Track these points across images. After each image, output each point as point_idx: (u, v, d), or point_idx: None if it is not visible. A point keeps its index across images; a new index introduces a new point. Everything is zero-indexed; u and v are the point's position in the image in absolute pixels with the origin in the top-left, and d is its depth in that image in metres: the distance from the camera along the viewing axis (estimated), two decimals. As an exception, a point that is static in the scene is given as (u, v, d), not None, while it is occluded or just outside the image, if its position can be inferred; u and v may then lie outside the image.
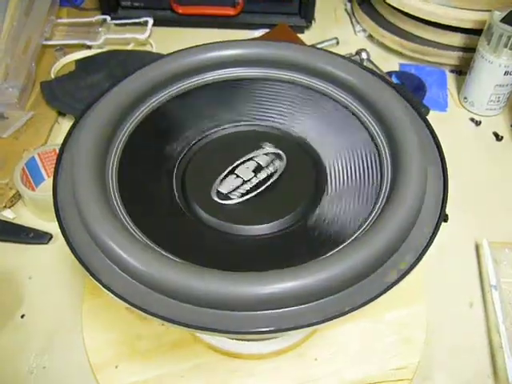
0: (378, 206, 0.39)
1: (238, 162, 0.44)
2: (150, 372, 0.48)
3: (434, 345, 0.52)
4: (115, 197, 0.38)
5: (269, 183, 0.43)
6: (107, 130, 0.40)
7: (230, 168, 0.43)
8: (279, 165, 0.44)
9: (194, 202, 0.41)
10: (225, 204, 0.41)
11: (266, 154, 0.44)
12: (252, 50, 0.48)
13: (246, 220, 0.40)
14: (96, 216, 0.35)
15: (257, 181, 0.43)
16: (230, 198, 0.42)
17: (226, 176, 0.43)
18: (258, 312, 0.32)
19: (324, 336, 0.51)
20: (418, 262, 0.35)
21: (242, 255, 0.38)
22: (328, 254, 0.35)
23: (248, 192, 0.42)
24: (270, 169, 0.43)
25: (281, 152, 0.45)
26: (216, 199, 0.41)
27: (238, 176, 0.43)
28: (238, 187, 0.42)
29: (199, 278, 0.32)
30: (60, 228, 0.37)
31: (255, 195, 0.42)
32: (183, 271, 0.32)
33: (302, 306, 0.33)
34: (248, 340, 0.48)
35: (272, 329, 0.32)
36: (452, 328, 0.54)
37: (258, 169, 0.44)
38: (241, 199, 0.41)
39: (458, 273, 0.58)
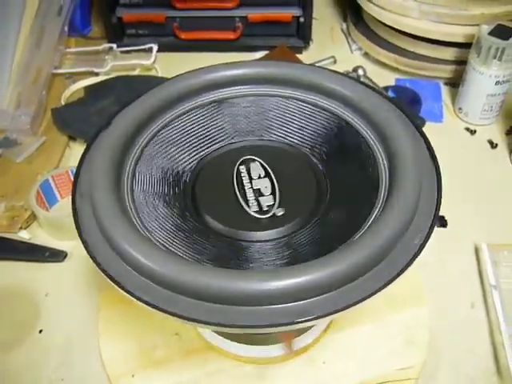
0: (375, 211, 0.41)
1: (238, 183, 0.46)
2: (166, 380, 0.50)
3: (439, 345, 0.53)
4: (131, 209, 0.40)
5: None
6: (121, 146, 0.43)
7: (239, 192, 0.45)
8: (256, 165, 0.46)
9: (205, 212, 0.43)
10: (264, 218, 0.43)
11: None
12: (258, 69, 0.50)
13: (254, 226, 0.42)
14: (118, 229, 0.37)
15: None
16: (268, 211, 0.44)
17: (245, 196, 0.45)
18: (275, 306, 0.34)
19: (331, 340, 0.52)
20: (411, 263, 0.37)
21: (252, 257, 0.40)
22: (330, 254, 0.37)
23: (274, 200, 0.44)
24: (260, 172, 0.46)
25: (253, 157, 0.47)
26: (258, 216, 0.43)
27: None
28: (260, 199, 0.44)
29: (223, 278, 0.34)
30: (82, 242, 0.38)
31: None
32: (204, 273, 0.34)
33: (312, 299, 0.35)
34: (263, 343, 0.50)
35: (288, 321, 0.34)
36: (455, 328, 0.55)
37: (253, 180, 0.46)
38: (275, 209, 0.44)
39: (459, 275, 0.60)
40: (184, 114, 0.49)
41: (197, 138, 0.49)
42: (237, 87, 0.51)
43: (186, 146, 0.49)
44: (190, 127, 0.49)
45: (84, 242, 0.38)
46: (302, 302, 0.35)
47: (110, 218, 0.37)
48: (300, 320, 0.34)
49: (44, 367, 0.53)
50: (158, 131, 0.47)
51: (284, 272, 0.34)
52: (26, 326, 0.57)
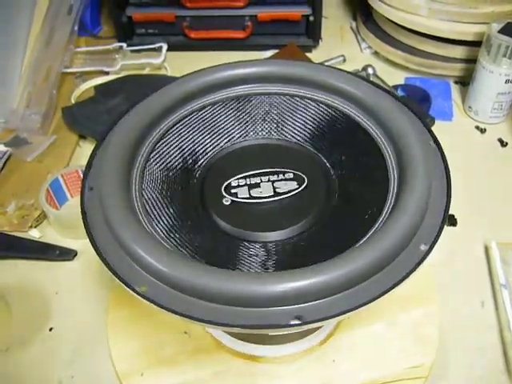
0: (385, 212, 0.41)
1: (253, 173, 0.46)
2: (175, 378, 0.50)
3: (449, 343, 0.53)
4: (139, 207, 0.41)
5: (278, 197, 0.45)
6: (131, 144, 0.43)
7: (252, 172, 0.46)
8: (294, 186, 0.46)
9: (213, 211, 0.44)
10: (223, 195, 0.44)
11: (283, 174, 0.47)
12: (267, 68, 0.51)
13: (263, 227, 0.42)
14: (127, 229, 0.37)
15: (266, 192, 0.45)
16: (237, 196, 0.44)
17: (244, 177, 0.46)
18: (285, 307, 0.34)
19: (341, 338, 0.52)
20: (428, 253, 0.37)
21: (260, 259, 0.40)
22: (339, 256, 0.37)
23: (250, 197, 0.44)
24: (284, 188, 0.45)
25: (303, 175, 0.46)
26: (222, 190, 0.44)
27: (255, 182, 0.45)
28: (245, 189, 0.45)
29: (234, 280, 0.34)
30: (91, 241, 0.38)
31: (264, 202, 0.44)
32: (212, 274, 0.35)
33: (323, 300, 0.35)
34: (272, 342, 0.50)
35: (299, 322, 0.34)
36: (465, 327, 0.55)
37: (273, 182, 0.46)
38: (239, 199, 0.44)
39: (469, 274, 0.60)
40: (194, 112, 0.49)
41: (206, 136, 0.49)
42: (247, 85, 0.51)
43: (196, 144, 0.49)
44: (199, 125, 0.49)
45: (93, 242, 0.38)
46: (311, 303, 0.35)
47: (118, 218, 0.37)
48: (309, 321, 0.34)
49: (54, 365, 0.54)
50: (169, 129, 0.48)
51: (295, 274, 0.34)
52: (37, 324, 0.57)
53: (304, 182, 0.46)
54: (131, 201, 0.40)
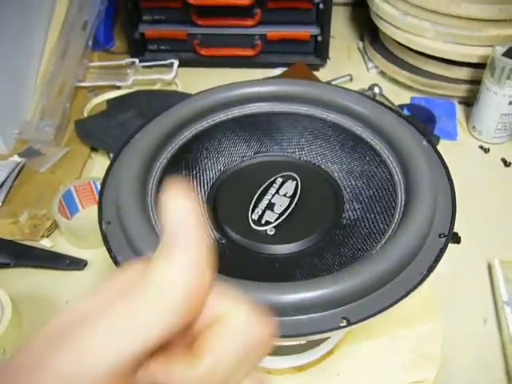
0: (391, 228, 0.42)
1: (262, 189, 0.47)
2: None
3: (451, 360, 0.54)
4: (154, 217, 0.42)
5: (293, 205, 0.46)
6: (146, 160, 0.45)
7: (256, 197, 0.47)
8: (294, 185, 0.47)
9: (229, 227, 0.44)
10: (261, 230, 0.44)
11: (281, 178, 0.48)
12: (275, 87, 0.52)
13: (275, 240, 0.44)
14: (141, 236, 0.38)
15: (284, 203, 0.46)
16: (269, 223, 0.45)
17: (256, 205, 0.46)
18: (290, 318, 0.35)
19: (345, 352, 0.53)
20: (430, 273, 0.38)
21: (273, 270, 0.42)
22: (349, 267, 0.38)
23: (280, 216, 0.45)
24: (289, 191, 0.47)
25: (292, 174, 0.48)
26: (255, 227, 0.44)
27: (266, 203, 0.46)
28: (268, 213, 0.45)
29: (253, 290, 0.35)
30: (107, 249, 0.40)
31: (284, 219, 0.45)
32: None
33: (327, 312, 0.36)
34: (276, 354, 0.51)
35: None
36: (468, 343, 0.56)
37: (279, 192, 0.47)
38: (276, 223, 0.45)
39: (472, 291, 0.61)
40: (210, 127, 0.51)
41: (219, 151, 0.51)
42: (257, 104, 0.52)
43: (209, 159, 0.50)
44: (214, 141, 0.51)
45: (109, 249, 0.39)
46: (317, 315, 0.36)
47: (135, 227, 0.39)
48: (317, 331, 0.35)
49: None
50: (185, 143, 0.49)
51: (302, 285, 0.36)
52: (47, 332, 0.58)
53: (295, 178, 0.48)
54: (147, 211, 0.42)
